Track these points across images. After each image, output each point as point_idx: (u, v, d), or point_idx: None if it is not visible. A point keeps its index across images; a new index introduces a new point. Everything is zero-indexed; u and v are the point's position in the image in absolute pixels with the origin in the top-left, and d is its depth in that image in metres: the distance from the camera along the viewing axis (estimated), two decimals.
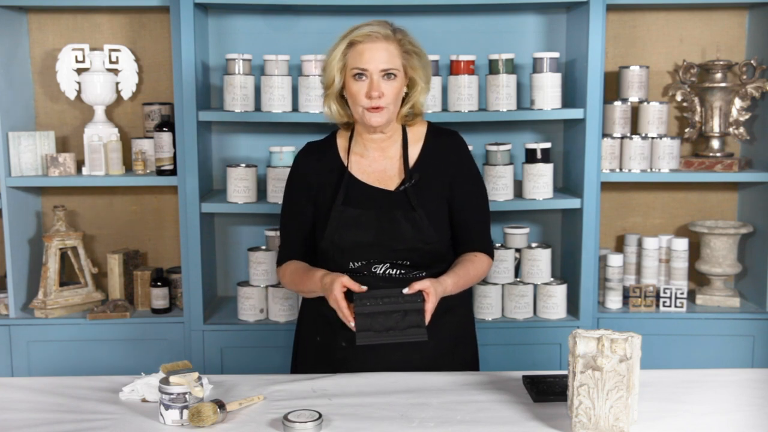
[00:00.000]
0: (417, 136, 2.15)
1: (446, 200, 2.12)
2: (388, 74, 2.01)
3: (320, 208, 2.12)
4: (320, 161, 2.15)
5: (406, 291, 1.89)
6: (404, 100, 2.10)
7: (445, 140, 2.16)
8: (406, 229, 2.04)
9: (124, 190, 3.22)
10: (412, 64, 2.05)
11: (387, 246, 2.05)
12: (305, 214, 2.15)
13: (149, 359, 2.86)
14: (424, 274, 2.08)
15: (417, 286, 1.91)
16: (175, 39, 2.82)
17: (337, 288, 1.92)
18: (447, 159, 2.13)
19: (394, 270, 2.07)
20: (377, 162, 2.12)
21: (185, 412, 1.70)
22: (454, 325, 2.14)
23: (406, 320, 1.79)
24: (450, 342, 2.14)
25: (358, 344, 1.85)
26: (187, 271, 2.92)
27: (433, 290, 1.92)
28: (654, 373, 1.97)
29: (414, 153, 2.13)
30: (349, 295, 1.94)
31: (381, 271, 2.07)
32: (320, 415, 1.69)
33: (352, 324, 1.90)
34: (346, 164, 2.12)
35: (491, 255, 2.17)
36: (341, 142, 2.16)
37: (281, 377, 2.01)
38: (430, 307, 1.91)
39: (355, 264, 2.07)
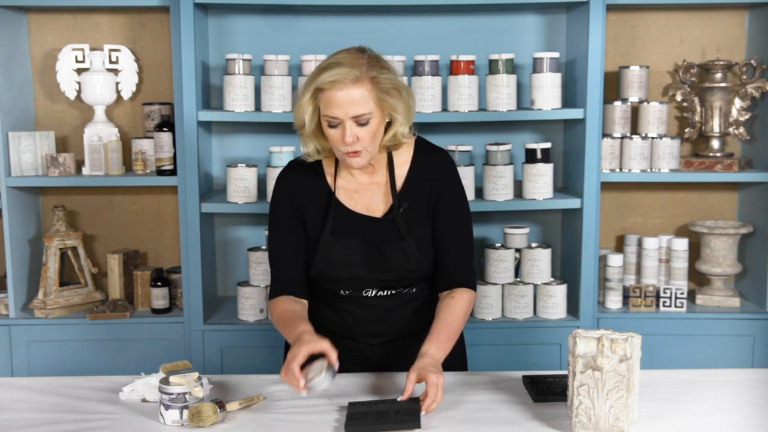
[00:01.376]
0: (404, 159, 2.05)
1: (431, 220, 2.04)
2: (359, 122, 1.88)
3: (308, 233, 2.04)
4: (306, 183, 2.05)
5: (400, 399, 1.78)
6: (387, 129, 1.97)
7: (433, 160, 2.06)
8: (395, 260, 2.00)
9: (124, 190, 3.23)
10: (388, 102, 1.90)
11: (376, 277, 2.01)
12: (297, 239, 2.04)
13: (149, 359, 2.85)
14: (413, 290, 2.07)
15: (410, 388, 1.77)
16: (175, 39, 2.82)
17: (304, 351, 1.76)
18: (433, 179, 2.03)
19: (385, 291, 2.05)
20: (364, 188, 2.04)
21: (185, 412, 1.70)
22: None
23: (399, 414, 1.72)
24: None
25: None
26: (187, 271, 2.92)
27: (434, 377, 1.76)
28: (654, 373, 1.97)
29: (401, 175, 2.04)
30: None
31: (372, 294, 2.05)
32: (329, 365, 1.73)
33: (301, 386, 1.73)
34: (333, 190, 2.04)
35: (472, 286, 2.05)
36: (327, 166, 2.07)
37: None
38: (441, 386, 1.76)
39: (346, 292, 2.05)
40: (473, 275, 2.08)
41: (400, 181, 2.04)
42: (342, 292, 2.05)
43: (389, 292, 2.05)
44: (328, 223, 2.01)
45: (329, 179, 2.06)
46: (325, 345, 1.78)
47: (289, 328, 1.92)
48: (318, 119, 1.94)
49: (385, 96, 1.90)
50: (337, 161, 2.06)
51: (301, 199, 2.05)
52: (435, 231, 2.04)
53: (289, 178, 2.08)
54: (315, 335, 1.83)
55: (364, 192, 2.04)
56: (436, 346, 1.89)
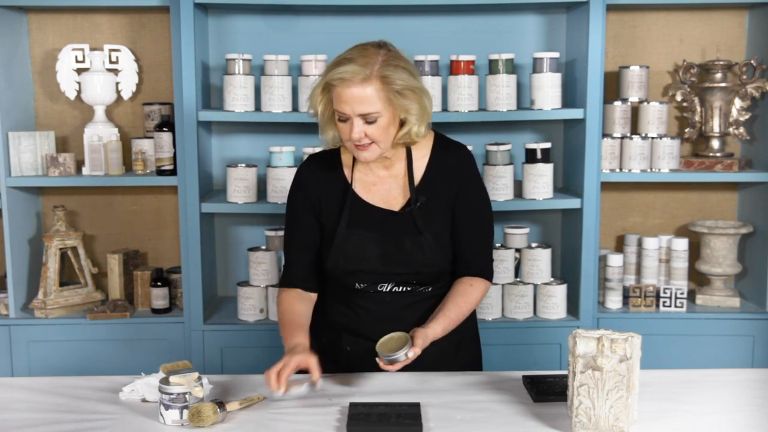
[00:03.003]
0: (422, 153, 2.05)
1: (450, 216, 2.05)
2: (367, 120, 1.89)
3: (324, 227, 2.06)
4: (323, 175, 2.07)
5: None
6: (402, 126, 1.97)
7: (452, 154, 2.07)
8: (412, 253, 2.00)
9: (124, 190, 3.22)
10: (399, 103, 1.90)
11: (392, 270, 2.01)
12: (311, 232, 2.06)
13: (149, 359, 2.85)
14: (429, 289, 2.06)
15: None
16: (175, 39, 2.82)
17: (295, 362, 1.83)
18: (452, 174, 2.05)
19: (401, 287, 2.05)
20: (382, 180, 2.05)
21: (185, 412, 1.70)
22: (459, 326, 2.13)
23: (401, 417, 1.73)
24: (454, 343, 2.13)
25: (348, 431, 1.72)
26: (187, 271, 2.92)
27: (420, 343, 1.88)
28: (654, 373, 1.97)
29: (419, 168, 2.04)
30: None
31: (387, 289, 2.04)
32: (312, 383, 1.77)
33: (278, 392, 1.80)
34: (350, 182, 2.05)
35: (489, 277, 2.10)
36: (345, 158, 2.08)
37: None
38: (412, 355, 1.86)
39: (361, 285, 2.04)
40: (491, 267, 2.12)
41: (418, 175, 2.05)
42: (357, 285, 2.04)
43: (404, 289, 2.05)
44: (344, 216, 2.02)
45: (347, 171, 2.07)
46: (312, 362, 1.84)
47: (288, 331, 1.97)
48: (332, 112, 1.96)
49: (397, 96, 1.90)
50: None
51: (317, 192, 2.06)
52: (455, 223, 2.05)
53: (306, 172, 2.11)
54: (307, 349, 1.89)
55: (382, 185, 2.05)
56: (444, 329, 1.97)
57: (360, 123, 1.89)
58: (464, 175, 2.06)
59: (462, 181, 2.05)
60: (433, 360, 2.05)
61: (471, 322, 2.21)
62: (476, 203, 2.07)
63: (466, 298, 2.03)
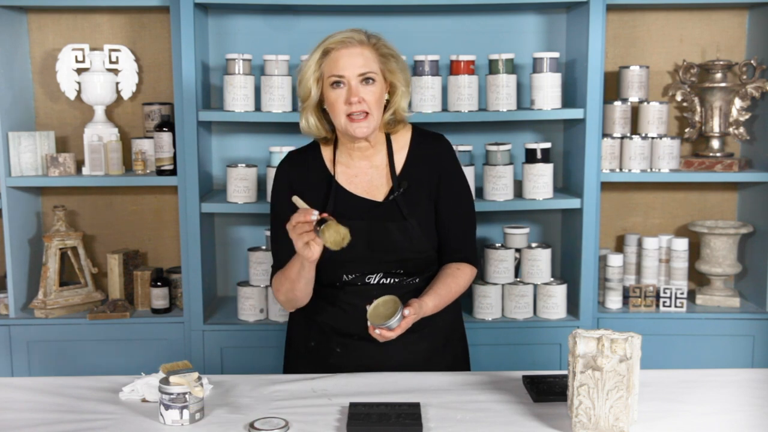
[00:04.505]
0: (402, 144, 2.10)
1: (433, 204, 2.09)
2: (365, 79, 1.97)
3: None
4: (305, 171, 2.09)
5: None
6: (386, 107, 2.06)
7: (431, 144, 2.11)
8: (398, 240, 2.02)
9: (124, 190, 3.23)
10: (390, 68, 2.02)
11: (379, 258, 2.03)
12: None
13: (149, 359, 2.85)
14: (417, 280, 2.08)
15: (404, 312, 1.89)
16: (175, 39, 2.82)
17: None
18: (432, 163, 2.09)
19: (388, 279, 2.06)
20: (364, 172, 2.08)
21: (185, 412, 1.70)
22: (444, 324, 2.14)
23: (401, 417, 1.73)
24: (441, 341, 2.14)
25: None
26: (187, 271, 2.92)
27: (414, 313, 1.91)
28: (654, 373, 1.97)
29: (400, 160, 2.09)
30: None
31: (375, 281, 2.05)
32: (286, 423, 1.69)
33: (313, 217, 1.81)
34: (332, 174, 2.08)
35: (475, 263, 2.13)
36: (326, 153, 2.11)
37: (281, 377, 2.01)
38: (404, 324, 1.89)
39: (349, 276, 2.05)
40: (476, 252, 2.15)
41: (399, 165, 2.09)
42: (345, 277, 2.05)
43: (392, 280, 2.06)
44: (330, 205, 2.04)
45: (328, 165, 2.10)
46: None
47: (290, 264, 1.99)
48: (320, 95, 2.00)
49: (387, 61, 2.01)
50: (335, 147, 2.08)
51: (301, 186, 2.07)
52: (438, 212, 2.09)
53: (287, 167, 2.13)
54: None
55: (363, 176, 2.08)
56: (435, 306, 2.01)
57: (358, 85, 1.96)
58: (444, 163, 2.10)
59: (442, 170, 2.09)
60: (422, 360, 2.07)
61: (456, 318, 2.22)
62: (458, 191, 2.11)
63: (455, 279, 2.07)
